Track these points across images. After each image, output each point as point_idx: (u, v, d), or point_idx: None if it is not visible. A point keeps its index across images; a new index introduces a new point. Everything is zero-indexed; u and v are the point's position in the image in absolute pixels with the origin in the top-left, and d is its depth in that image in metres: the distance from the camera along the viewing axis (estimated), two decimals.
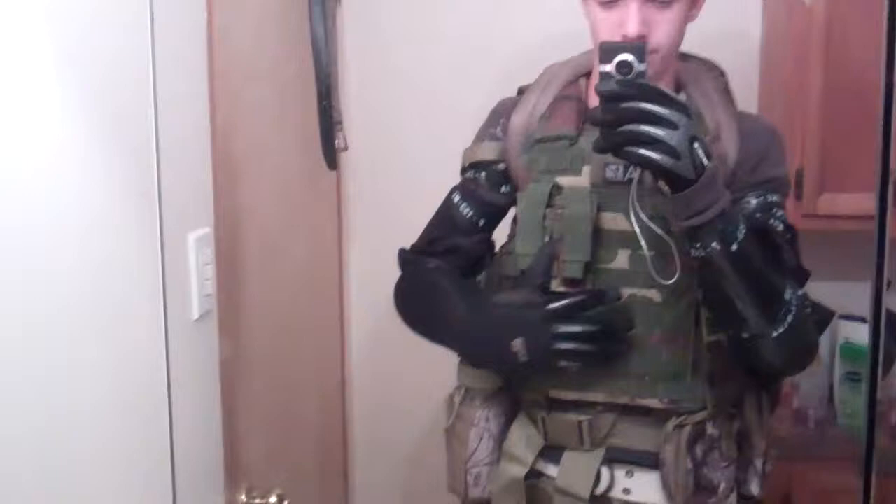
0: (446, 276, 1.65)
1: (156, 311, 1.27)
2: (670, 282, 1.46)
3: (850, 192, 2.27)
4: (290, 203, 2.12)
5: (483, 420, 1.64)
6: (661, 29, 1.48)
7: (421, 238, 1.76)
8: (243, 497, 1.66)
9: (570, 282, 1.54)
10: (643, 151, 1.26)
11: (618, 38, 1.45)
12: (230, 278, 1.66)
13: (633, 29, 1.45)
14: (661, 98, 1.27)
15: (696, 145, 1.28)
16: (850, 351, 2.46)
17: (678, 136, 1.25)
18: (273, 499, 1.68)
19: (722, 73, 1.66)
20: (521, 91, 1.70)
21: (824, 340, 2.48)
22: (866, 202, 2.23)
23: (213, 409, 1.49)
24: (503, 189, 1.67)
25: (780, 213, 1.56)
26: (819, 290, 2.55)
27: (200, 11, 1.43)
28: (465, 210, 1.68)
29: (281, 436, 2.03)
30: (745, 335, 1.43)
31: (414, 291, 1.72)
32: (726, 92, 1.62)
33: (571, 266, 1.53)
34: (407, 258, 1.76)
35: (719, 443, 1.56)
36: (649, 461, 1.56)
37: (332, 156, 2.17)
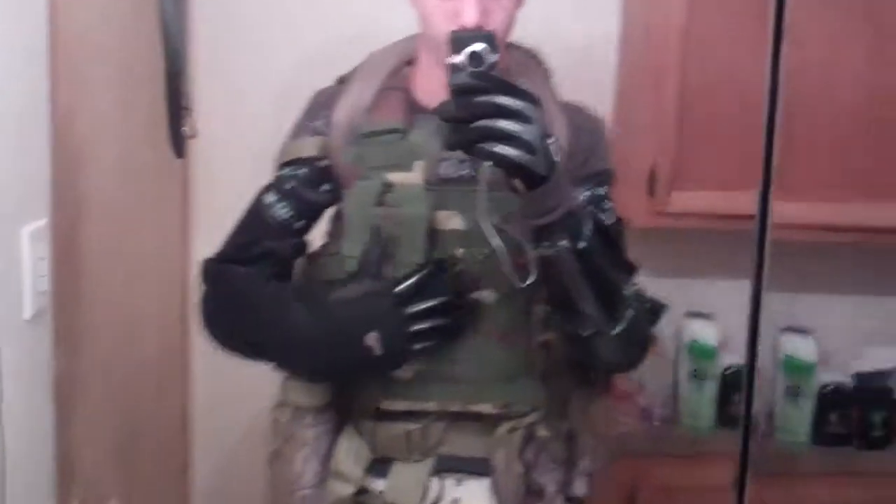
0: (269, 284, 1.53)
1: None
2: (527, 282, 1.40)
3: (701, 191, 2.30)
4: (135, 192, 2.03)
5: (312, 440, 1.54)
6: (497, 17, 1.42)
7: (227, 244, 1.60)
8: None
9: None
10: (499, 149, 1.19)
11: (454, 28, 1.38)
12: (69, 273, 1.57)
13: (471, 17, 1.37)
14: (515, 91, 1.21)
15: (548, 141, 1.24)
16: (696, 349, 2.50)
17: (533, 132, 1.20)
18: None
19: (543, 63, 1.62)
20: (340, 81, 1.61)
21: (669, 338, 2.53)
22: (716, 200, 2.32)
23: (44, 414, 1.42)
24: (324, 187, 1.57)
25: (608, 205, 1.54)
26: (666, 287, 2.59)
27: None
28: (282, 211, 1.55)
29: (121, 440, 1.94)
30: (585, 333, 1.40)
31: (232, 304, 1.56)
32: (549, 83, 1.58)
33: (406, 269, 1.47)
34: (213, 269, 1.59)
35: (549, 445, 1.54)
36: (479, 468, 1.53)
37: (179, 143, 2.07)
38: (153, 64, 1.94)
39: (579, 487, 1.59)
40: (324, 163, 1.54)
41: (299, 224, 1.56)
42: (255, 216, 1.57)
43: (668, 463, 2.39)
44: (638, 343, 1.49)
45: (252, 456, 1.57)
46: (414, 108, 1.53)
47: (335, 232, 1.56)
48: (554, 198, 1.26)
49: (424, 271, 1.43)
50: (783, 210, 2.22)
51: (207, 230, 2.44)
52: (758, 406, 2.37)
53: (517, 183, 1.25)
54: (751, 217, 2.26)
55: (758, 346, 1.63)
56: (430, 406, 1.50)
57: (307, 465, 1.53)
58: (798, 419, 2.47)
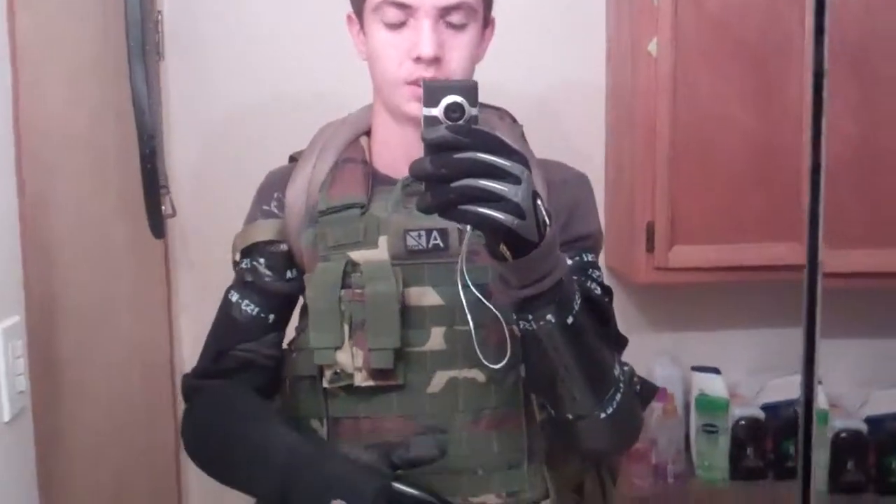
0: (248, 400, 1.41)
1: None
2: (500, 364, 1.31)
3: (701, 244, 2.27)
4: (115, 277, 1.98)
5: None
6: (457, 54, 1.33)
7: (203, 357, 1.49)
8: None
9: (379, 373, 1.36)
10: (484, 211, 1.07)
11: (408, 63, 1.30)
12: (47, 368, 1.50)
13: (427, 49, 1.29)
14: (501, 147, 1.09)
15: (538, 202, 1.12)
16: (705, 403, 2.44)
17: (522, 191, 1.08)
18: None
19: (514, 120, 1.52)
20: (292, 159, 1.52)
21: (679, 393, 2.48)
22: (716, 254, 2.29)
23: None
24: (288, 274, 1.46)
25: (597, 273, 1.43)
26: (670, 342, 2.60)
27: (4, 65, 1.27)
28: (248, 308, 1.45)
29: None
30: (570, 416, 1.28)
31: (207, 423, 1.44)
32: (524, 141, 1.49)
33: (379, 355, 1.35)
34: (192, 386, 1.48)
35: None
36: None
37: (158, 222, 2.01)
38: (125, 144, 1.89)
39: None
40: (283, 247, 1.45)
41: (271, 318, 1.46)
42: (225, 320, 1.47)
43: None
44: (627, 427, 1.37)
45: None
46: (374, 180, 1.43)
47: (303, 325, 1.45)
48: (544, 266, 1.15)
49: (433, 498, 1.26)
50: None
51: (191, 307, 2.42)
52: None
53: (502, 250, 1.13)
54: (749, 269, 2.25)
55: (814, 394, 1.55)
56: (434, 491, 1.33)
57: None
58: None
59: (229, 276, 1.51)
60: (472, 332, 1.31)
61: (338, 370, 1.37)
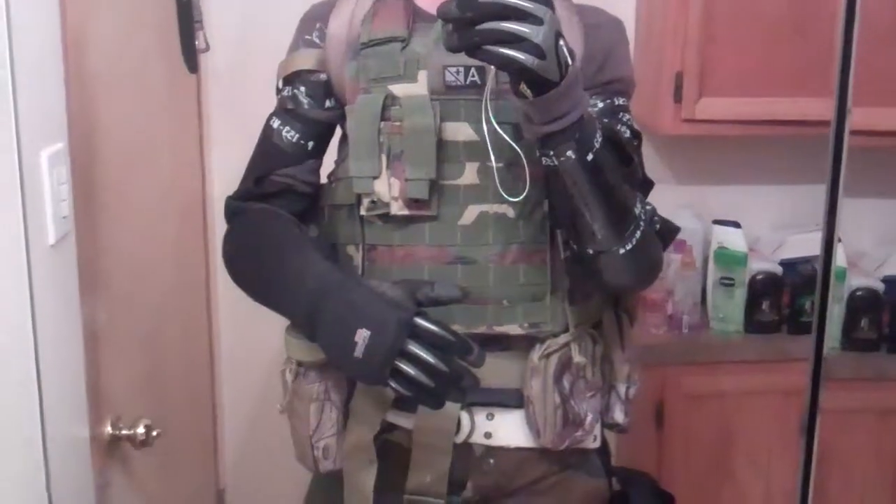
0: (288, 224, 1.44)
1: (14, 238, 1.16)
2: (519, 198, 1.34)
3: (729, 97, 2.26)
4: (150, 111, 1.98)
5: (322, 393, 1.45)
6: None
7: (245, 179, 1.52)
8: (109, 428, 1.57)
9: (414, 203, 1.40)
10: (506, 51, 1.10)
11: None
12: (88, 196, 1.53)
13: None
14: None
15: (560, 43, 1.14)
16: (723, 256, 2.47)
17: (544, 33, 1.10)
18: (141, 429, 1.59)
19: None
20: None
21: (698, 245, 2.51)
22: (743, 107, 2.28)
23: (75, 339, 1.39)
24: (328, 104, 1.49)
25: (626, 117, 1.45)
26: (694, 195, 2.62)
27: None
28: (289, 134, 1.48)
29: (148, 364, 1.92)
30: (590, 251, 1.32)
31: (247, 244, 1.49)
32: None
33: (415, 185, 1.38)
34: (234, 208, 1.52)
35: (584, 371, 1.46)
36: (512, 400, 1.45)
37: (192, 57, 2.02)
38: None
39: (619, 414, 1.54)
40: (322, 77, 1.47)
41: (310, 145, 1.49)
42: (266, 144, 1.51)
43: (697, 371, 2.38)
44: (646, 265, 1.41)
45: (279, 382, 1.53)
46: (415, 16, 1.44)
47: (342, 155, 1.48)
48: (565, 105, 1.17)
49: (452, 338, 1.26)
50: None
51: (223, 145, 2.43)
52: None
53: (523, 89, 1.17)
54: (779, 123, 2.24)
55: (834, 253, 1.58)
56: (455, 329, 1.34)
57: (323, 416, 1.45)
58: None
59: (260, 113, 1.54)
60: (494, 166, 1.34)
61: (375, 199, 1.41)
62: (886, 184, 2.64)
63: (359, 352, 1.24)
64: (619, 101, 1.46)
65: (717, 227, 2.52)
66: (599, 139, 1.23)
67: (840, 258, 2.38)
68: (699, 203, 2.61)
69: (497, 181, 1.34)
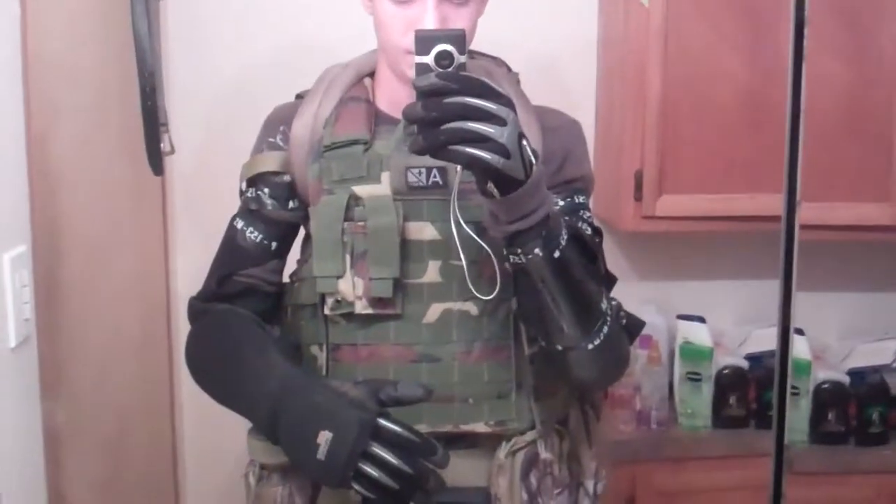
0: (249, 325, 1.45)
1: None
2: (490, 296, 1.37)
3: (688, 194, 2.29)
4: (114, 213, 2.00)
5: (286, 497, 1.44)
6: (458, 26, 1.36)
7: (208, 280, 1.54)
8: None
9: (378, 301, 1.41)
10: (472, 150, 1.13)
11: (412, 34, 1.30)
12: (51, 298, 1.53)
13: (431, 25, 1.34)
14: (488, 91, 1.15)
15: (524, 143, 1.18)
16: (689, 351, 2.48)
17: (507, 133, 1.14)
18: None
19: (510, 69, 1.57)
20: (299, 96, 1.56)
21: (664, 341, 2.51)
22: (703, 203, 2.32)
23: (34, 444, 1.38)
24: (291, 204, 1.51)
25: (587, 215, 1.49)
26: (657, 290, 2.63)
27: (14, 7, 1.29)
28: (252, 235, 1.51)
29: (110, 467, 1.91)
30: (559, 347, 1.35)
31: (208, 343, 1.49)
32: (519, 88, 1.54)
33: (379, 284, 1.40)
34: (197, 308, 1.54)
35: (552, 467, 1.47)
36: (479, 498, 1.45)
37: (157, 160, 2.03)
38: (128, 83, 1.90)
39: None
40: (286, 178, 1.50)
41: (274, 246, 1.51)
42: (230, 245, 1.53)
43: (666, 467, 2.36)
44: (614, 359, 1.43)
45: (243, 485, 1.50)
46: (377, 119, 1.48)
47: (306, 255, 1.50)
48: (531, 203, 1.20)
49: (418, 439, 1.26)
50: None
51: (188, 246, 2.43)
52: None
53: (490, 188, 1.20)
54: (737, 219, 2.28)
55: (790, 346, 1.59)
56: (421, 428, 1.35)
57: None
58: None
59: (224, 214, 1.56)
60: (465, 266, 1.36)
61: (339, 298, 1.43)
62: (850, 277, 2.67)
63: (321, 454, 1.24)
64: (580, 198, 1.49)
65: (682, 322, 2.53)
66: (565, 236, 1.25)
67: (804, 351, 2.40)
68: (662, 299, 2.62)
69: (469, 280, 1.37)
